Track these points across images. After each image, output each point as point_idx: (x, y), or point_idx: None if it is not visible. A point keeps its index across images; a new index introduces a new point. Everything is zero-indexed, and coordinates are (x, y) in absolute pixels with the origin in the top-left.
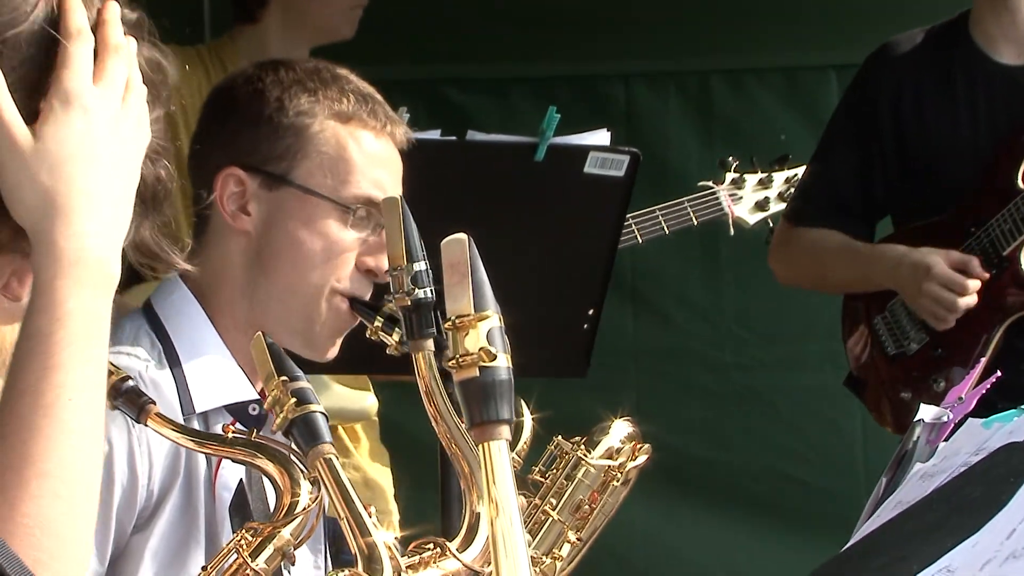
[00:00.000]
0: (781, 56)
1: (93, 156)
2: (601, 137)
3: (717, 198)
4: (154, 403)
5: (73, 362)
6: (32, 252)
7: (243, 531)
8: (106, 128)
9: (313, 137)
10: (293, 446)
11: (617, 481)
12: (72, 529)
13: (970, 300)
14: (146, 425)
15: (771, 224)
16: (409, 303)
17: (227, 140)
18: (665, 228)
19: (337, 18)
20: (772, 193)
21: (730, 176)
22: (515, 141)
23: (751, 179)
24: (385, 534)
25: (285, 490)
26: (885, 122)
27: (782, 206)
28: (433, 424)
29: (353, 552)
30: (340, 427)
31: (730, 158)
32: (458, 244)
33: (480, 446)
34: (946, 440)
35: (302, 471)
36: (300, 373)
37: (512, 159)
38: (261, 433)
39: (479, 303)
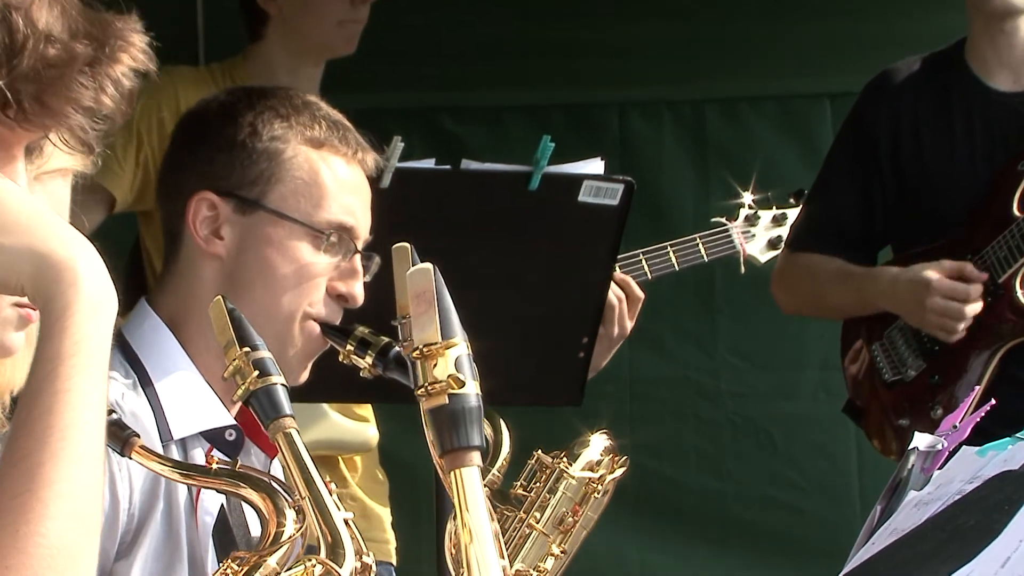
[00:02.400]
0: (775, 84)
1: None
2: (595, 166)
3: (729, 235)
4: (138, 436)
5: (86, 386)
6: (45, 282)
7: (229, 561)
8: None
9: (286, 162)
10: (275, 480)
11: (597, 493)
12: (84, 549)
13: (976, 306)
14: (131, 458)
15: None
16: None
17: (200, 165)
18: (676, 264)
19: (330, 33)
20: (785, 231)
21: (744, 212)
22: (509, 170)
23: (765, 216)
24: (345, 513)
25: (270, 519)
26: (883, 150)
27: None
28: (439, 472)
29: (315, 535)
30: (339, 457)
31: (746, 193)
32: (423, 274)
33: (451, 473)
34: (941, 468)
35: (287, 500)
36: (261, 342)
37: (506, 188)
38: (239, 458)
39: (446, 331)
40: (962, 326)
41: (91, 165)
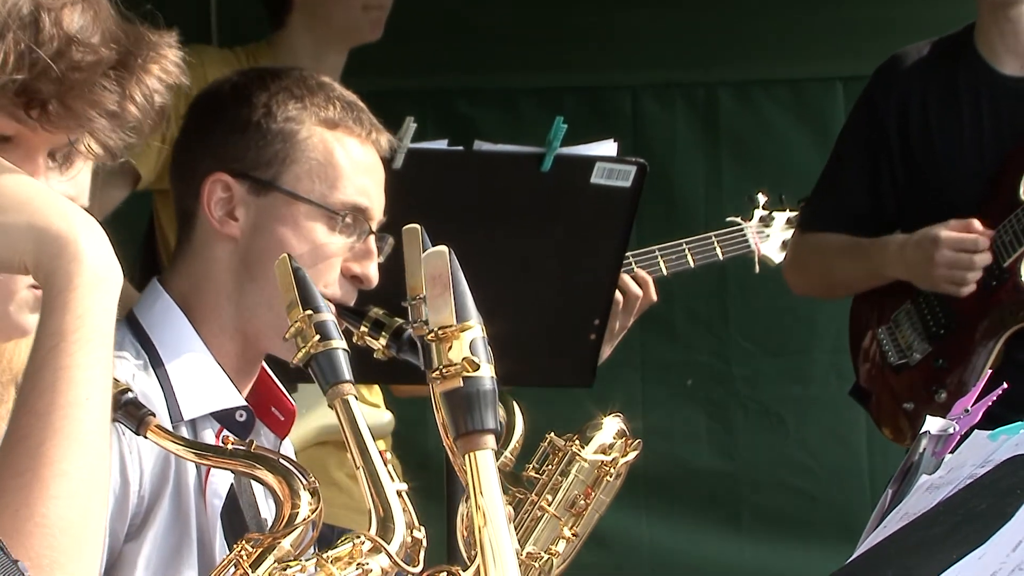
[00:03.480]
0: (787, 68)
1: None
2: (608, 148)
3: (744, 235)
4: (154, 415)
5: (89, 361)
6: (46, 257)
7: (243, 542)
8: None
9: (301, 143)
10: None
11: (610, 476)
12: (88, 530)
13: (984, 257)
14: (146, 437)
15: None
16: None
17: (214, 146)
18: (691, 261)
19: (356, 18)
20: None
21: (758, 213)
22: (522, 151)
23: (780, 217)
24: (399, 484)
25: (285, 501)
26: (893, 134)
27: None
28: (450, 455)
29: (368, 507)
30: None
31: (759, 194)
32: (439, 256)
33: (466, 456)
34: (952, 452)
35: (302, 482)
36: (324, 304)
37: (519, 169)
38: (251, 438)
39: (461, 314)
40: (972, 276)
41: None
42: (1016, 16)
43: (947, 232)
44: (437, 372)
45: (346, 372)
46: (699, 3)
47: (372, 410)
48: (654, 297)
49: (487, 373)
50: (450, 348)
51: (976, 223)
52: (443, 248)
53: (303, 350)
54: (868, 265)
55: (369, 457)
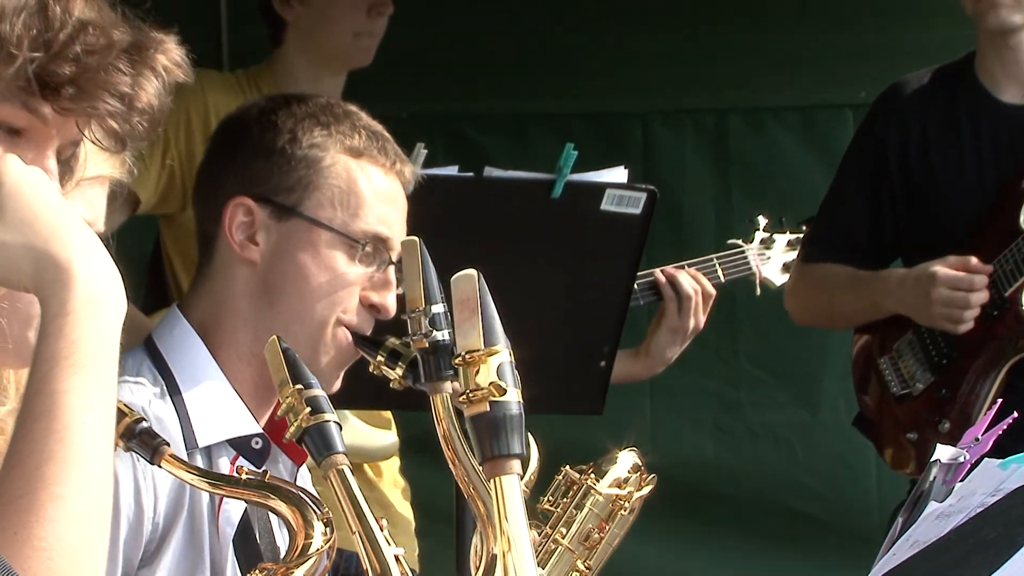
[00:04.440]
0: (798, 95)
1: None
2: (618, 174)
3: (745, 257)
4: (168, 444)
5: (85, 386)
6: (42, 281)
7: (256, 572)
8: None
9: (325, 170)
10: (303, 491)
11: (624, 511)
12: (87, 553)
13: (981, 295)
14: (160, 467)
15: None
16: (427, 345)
17: (237, 170)
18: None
19: (346, 44)
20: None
21: (759, 235)
22: (532, 178)
23: (780, 240)
24: (396, 549)
25: (299, 531)
26: (894, 163)
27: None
28: (450, 467)
29: (365, 568)
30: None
31: (760, 216)
32: (468, 280)
33: (492, 480)
34: (962, 480)
35: (316, 512)
36: (315, 381)
37: (529, 196)
38: (266, 465)
39: (489, 338)
40: (969, 315)
41: (127, 173)
42: (1016, 44)
43: (944, 270)
44: (464, 396)
45: (339, 444)
46: (709, 30)
47: (376, 431)
48: (711, 288)
49: (514, 398)
50: (477, 372)
51: (974, 260)
52: (472, 272)
53: (295, 424)
54: (868, 299)
55: (367, 523)
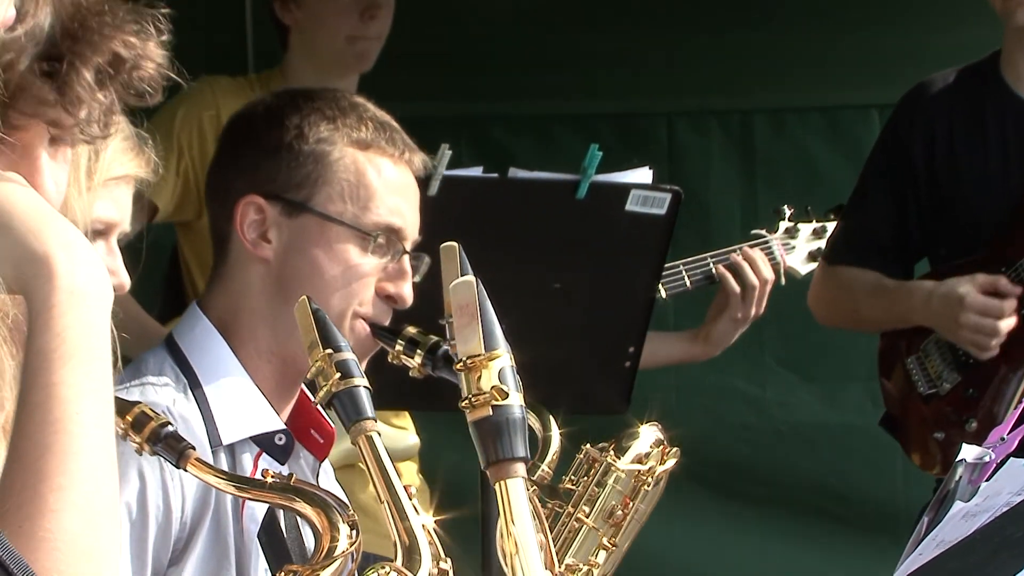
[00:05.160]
0: (823, 95)
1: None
2: (643, 175)
3: (770, 247)
4: (193, 448)
5: (75, 377)
6: (24, 279)
7: (282, 573)
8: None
9: (333, 164)
10: (325, 493)
11: (648, 486)
12: (94, 542)
13: (1009, 322)
14: (186, 470)
15: None
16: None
17: (246, 168)
18: (715, 273)
19: (340, 50)
20: (825, 244)
21: (784, 225)
22: (557, 179)
23: (805, 229)
24: (425, 518)
25: (324, 533)
26: (919, 163)
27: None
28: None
29: (393, 539)
30: None
31: (784, 206)
32: (466, 286)
33: (496, 484)
34: (988, 480)
35: (341, 515)
36: (345, 344)
37: (554, 197)
38: (288, 461)
39: (489, 343)
40: (995, 342)
41: (152, 173)
42: None
43: (973, 295)
44: (467, 401)
45: (368, 409)
46: (734, 30)
47: (397, 432)
48: (771, 273)
49: (516, 401)
50: (479, 377)
51: (1003, 282)
52: (470, 277)
53: (324, 389)
54: (894, 310)
55: (395, 491)
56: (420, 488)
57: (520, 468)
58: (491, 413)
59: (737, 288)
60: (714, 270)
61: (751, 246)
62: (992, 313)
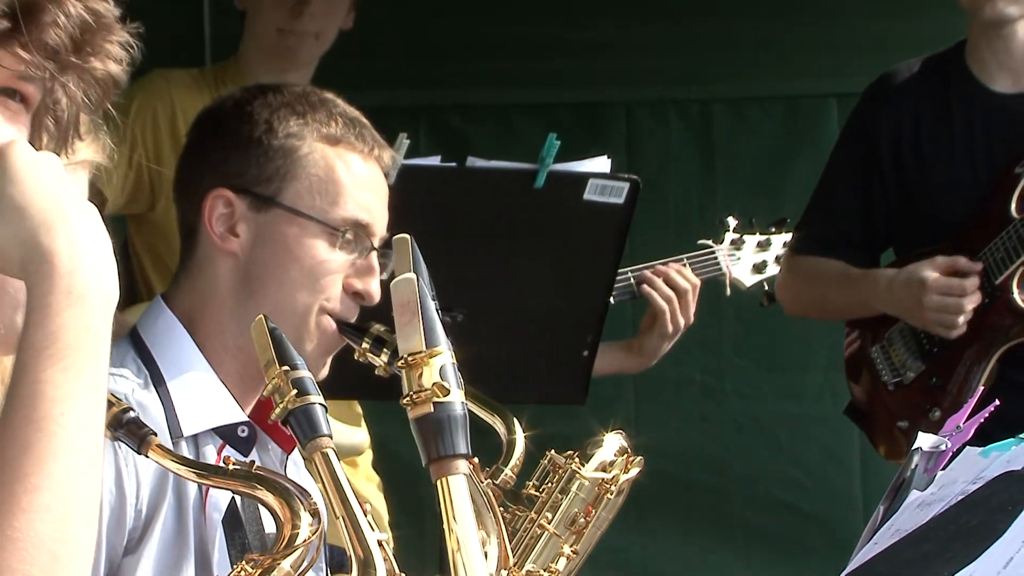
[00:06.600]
0: (782, 84)
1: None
2: (601, 164)
3: (716, 258)
4: (155, 434)
5: (64, 377)
6: (28, 270)
7: (243, 563)
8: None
9: (302, 159)
10: (291, 482)
11: (611, 494)
12: (65, 545)
13: (974, 298)
14: (147, 456)
15: (767, 287)
16: None
17: (215, 162)
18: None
19: (272, 41)
20: (770, 256)
21: (729, 236)
22: (515, 168)
23: (750, 241)
24: (379, 534)
25: (286, 522)
26: (884, 153)
27: (778, 269)
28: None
29: (349, 555)
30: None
31: (729, 218)
32: (407, 284)
33: (438, 481)
34: (944, 469)
35: (303, 503)
36: (301, 362)
37: (512, 186)
38: (254, 452)
39: (431, 340)
40: (961, 320)
41: (108, 158)
42: (1008, 34)
43: (934, 276)
44: (408, 398)
45: (324, 427)
46: (693, 19)
47: (348, 428)
48: (697, 280)
49: (457, 398)
50: (420, 374)
51: (963, 260)
52: (411, 275)
53: (280, 406)
54: (858, 298)
55: (350, 507)
56: (375, 480)
57: (462, 465)
58: (432, 410)
59: (663, 303)
60: (635, 286)
61: (696, 256)
62: (955, 291)
